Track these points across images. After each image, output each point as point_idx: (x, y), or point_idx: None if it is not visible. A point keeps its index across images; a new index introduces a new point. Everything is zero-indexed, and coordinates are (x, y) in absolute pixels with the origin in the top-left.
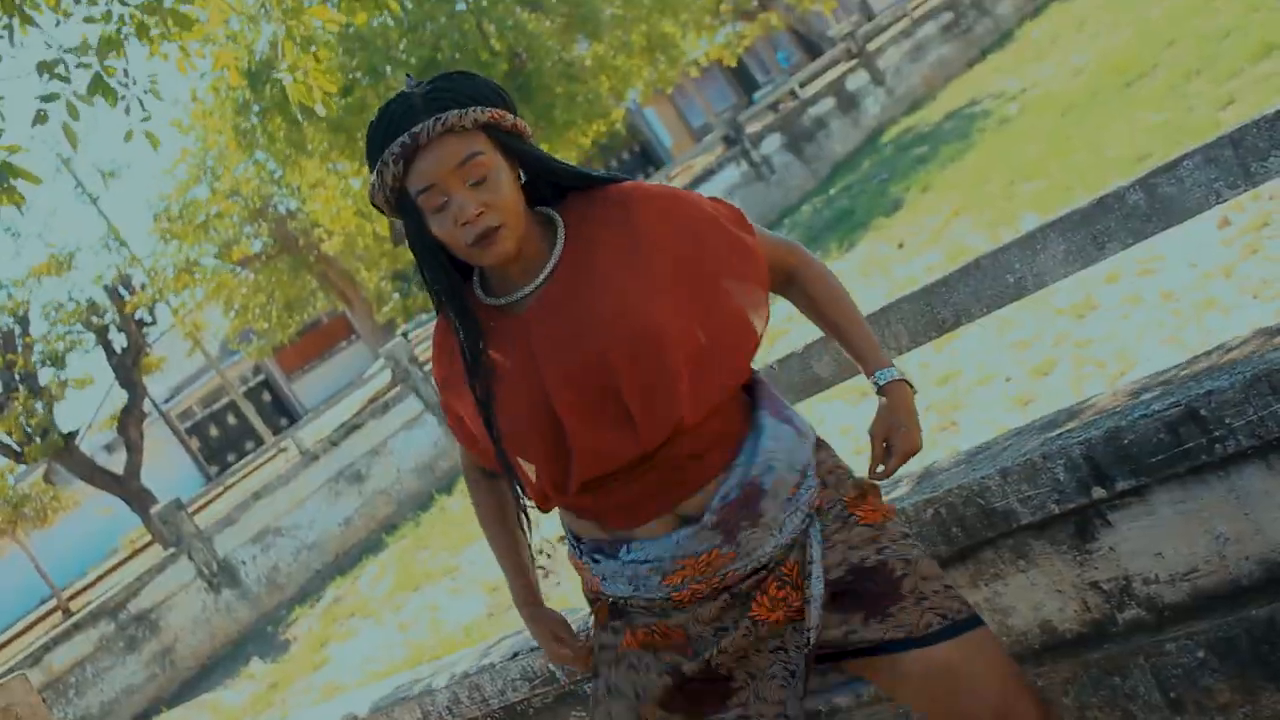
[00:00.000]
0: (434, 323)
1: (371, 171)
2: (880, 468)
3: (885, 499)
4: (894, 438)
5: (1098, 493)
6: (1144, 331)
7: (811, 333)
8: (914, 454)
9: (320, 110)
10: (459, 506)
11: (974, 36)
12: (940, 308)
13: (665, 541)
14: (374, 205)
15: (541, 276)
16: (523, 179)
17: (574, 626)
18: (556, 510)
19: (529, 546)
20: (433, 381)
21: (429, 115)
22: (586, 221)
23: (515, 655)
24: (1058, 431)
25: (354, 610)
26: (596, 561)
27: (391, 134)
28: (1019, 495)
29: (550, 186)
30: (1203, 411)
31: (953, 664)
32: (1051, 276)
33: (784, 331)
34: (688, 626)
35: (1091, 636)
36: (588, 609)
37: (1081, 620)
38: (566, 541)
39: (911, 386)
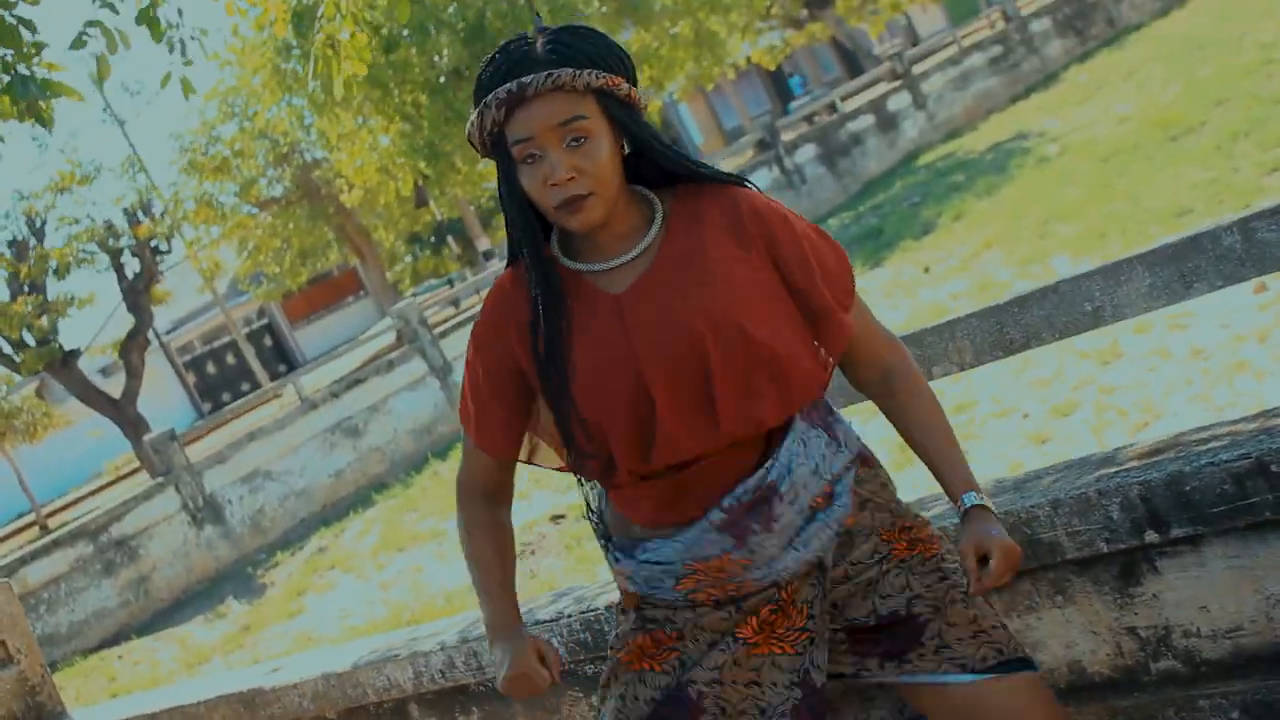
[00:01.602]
0: (446, 287)
1: (474, 108)
2: (978, 580)
3: (930, 515)
4: (990, 547)
5: (1150, 536)
6: (1171, 386)
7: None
8: (1016, 553)
9: (338, 92)
10: (451, 472)
11: (1020, 73)
12: (1011, 327)
13: (674, 543)
14: (470, 142)
15: (636, 252)
16: (626, 150)
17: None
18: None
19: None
20: (440, 347)
21: (543, 68)
22: (692, 212)
23: None
24: (1116, 469)
25: (335, 563)
26: (618, 560)
27: (501, 78)
28: (1068, 529)
29: (654, 168)
30: (1273, 467)
31: (979, 704)
32: (1132, 310)
33: None
34: (686, 637)
35: (1122, 683)
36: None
37: (1113, 665)
38: (597, 537)
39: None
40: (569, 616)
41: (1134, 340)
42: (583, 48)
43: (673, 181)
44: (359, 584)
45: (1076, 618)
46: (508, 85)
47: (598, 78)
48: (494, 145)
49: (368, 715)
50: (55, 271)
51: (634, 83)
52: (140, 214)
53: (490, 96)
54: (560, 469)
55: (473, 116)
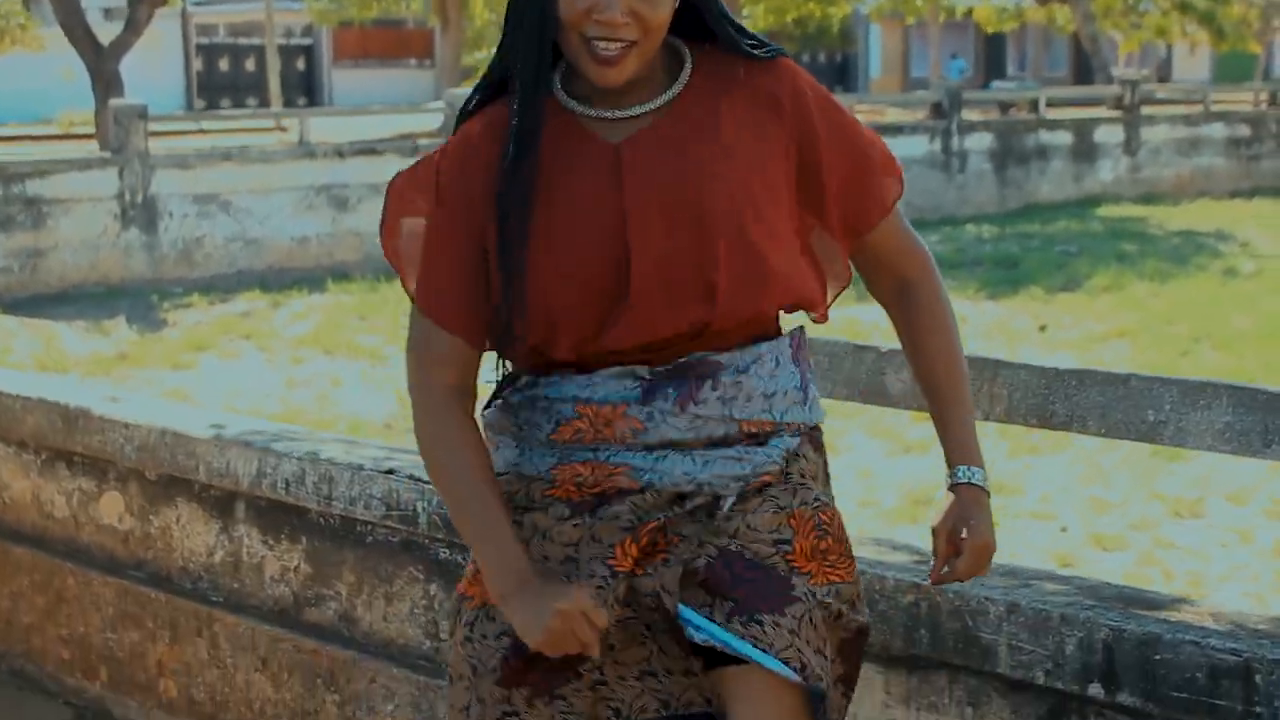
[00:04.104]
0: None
1: None
2: (945, 569)
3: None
4: (963, 533)
5: (1094, 690)
6: (1232, 573)
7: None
8: (989, 555)
9: None
10: None
11: (1257, 169)
12: (1058, 400)
13: (578, 380)
14: None
15: (652, 105)
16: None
17: None
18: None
19: None
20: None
21: None
22: (724, 75)
23: (390, 471)
24: (1095, 601)
25: (252, 334)
26: (495, 410)
27: None
28: (1012, 640)
29: (695, 22)
30: (1258, 677)
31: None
32: (1195, 441)
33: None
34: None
35: None
36: None
37: None
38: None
39: (988, 495)
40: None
41: (1223, 507)
42: None
43: (709, 38)
44: (266, 368)
45: None
46: None
47: None
48: None
49: (189, 493)
50: None
51: None
52: None
53: None
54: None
55: None
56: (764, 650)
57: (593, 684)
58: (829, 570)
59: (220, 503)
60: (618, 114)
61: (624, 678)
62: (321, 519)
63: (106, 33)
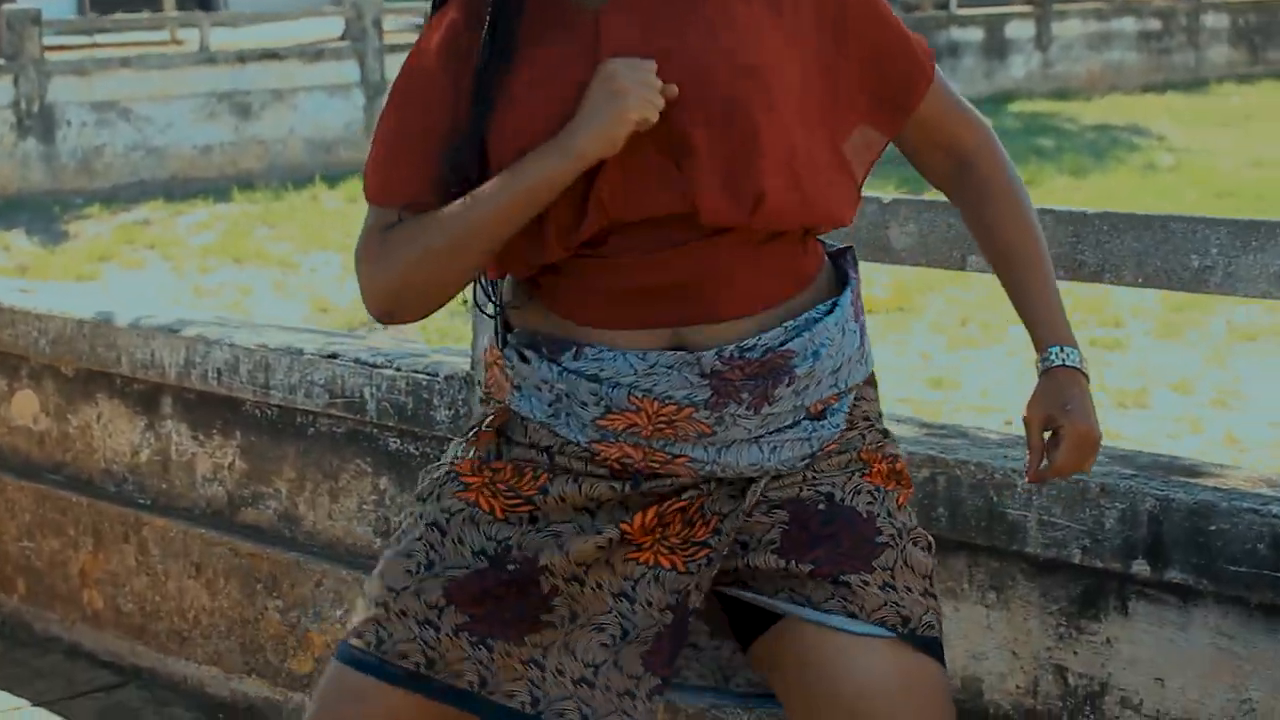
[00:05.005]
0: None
1: None
2: (1044, 464)
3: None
4: (1063, 424)
5: (1138, 567)
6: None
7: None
8: (1094, 444)
9: None
10: (334, 205)
11: (1168, 63)
12: (1088, 248)
13: (634, 359)
14: None
15: None
16: None
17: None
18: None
19: None
20: (382, 62)
21: None
22: None
23: (334, 355)
24: (1135, 471)
25: (156, 243)
26: (525, 360)
27: None
28: (1044, 516)
29: None
30: None
31: (875, 675)
32: (1247, 288)
33: None
34: (553, 492)
35: None
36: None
37: (1018, 703)
38: (493, 330)
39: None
40: (394, 368)
41: (1168, 396)
42: None
43: None
44: (172, 277)
45: (1001, 627)
46: None
47: None
48: None
49: (111, 388)
50: None
51: None
52: None
53: None
54: None
55: None
56: (852, 615)
57: (526, 660)
58: (902, 487)
59: (145, 397)
60: None
61: (562, 671)
62: (258, 410)
63: None
